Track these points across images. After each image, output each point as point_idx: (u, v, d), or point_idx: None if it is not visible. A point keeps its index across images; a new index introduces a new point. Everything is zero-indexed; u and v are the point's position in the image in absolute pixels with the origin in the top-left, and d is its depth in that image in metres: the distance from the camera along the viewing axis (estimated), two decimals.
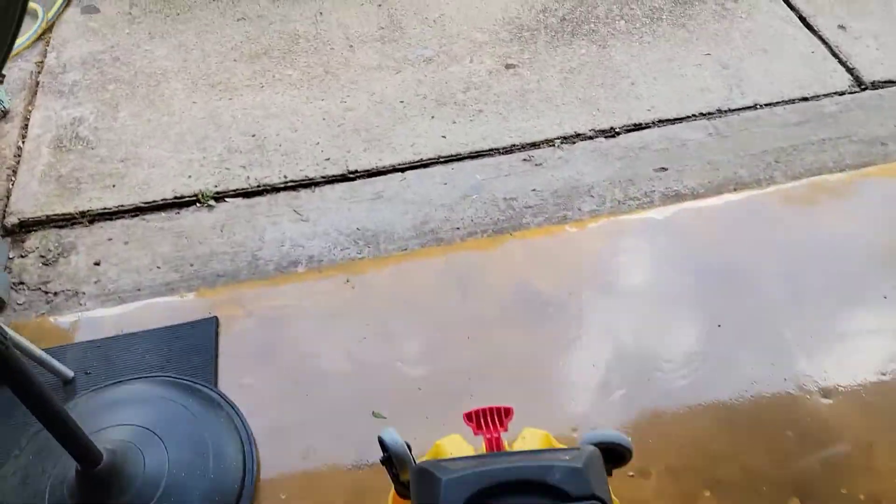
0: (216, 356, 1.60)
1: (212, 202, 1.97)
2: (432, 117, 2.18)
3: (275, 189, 2.01)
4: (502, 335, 1.64)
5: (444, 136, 2.12)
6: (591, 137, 2.12)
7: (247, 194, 1.99)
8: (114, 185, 2.00)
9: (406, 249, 1.85)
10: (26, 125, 2.19)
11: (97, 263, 1.83)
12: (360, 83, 2.29)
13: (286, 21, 2.53)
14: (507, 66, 2.33)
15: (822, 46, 2.35)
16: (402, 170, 2.05)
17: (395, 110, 2.20)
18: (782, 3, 2.51)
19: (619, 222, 1.88)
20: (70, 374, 1.55)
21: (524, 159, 2.07)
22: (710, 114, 2.16)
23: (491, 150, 2.09)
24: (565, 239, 1.85)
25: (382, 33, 2.47)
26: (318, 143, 2.11)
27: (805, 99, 2.19)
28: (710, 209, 1.89)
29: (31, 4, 2.47)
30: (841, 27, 2.41)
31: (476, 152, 2.08)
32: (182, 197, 1.97)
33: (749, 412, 1.49)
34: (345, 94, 2.26)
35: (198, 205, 1.97)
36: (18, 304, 1.77)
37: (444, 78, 2.30)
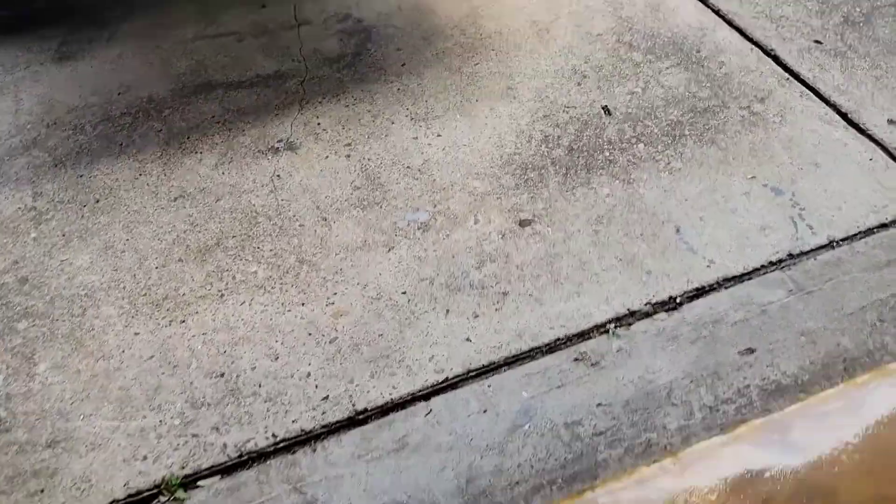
0: None
1: (180, 493, 1.45)
2: (447, 311, 1.72)
3: (263, 455, 1.50)
4: None
5: (468, 339, 1.67)
6: (648, 314, 1.70)
7: (226, 470, 1.49)
8: (42, 491, 1.46)
9: None
10: None
11: None
12: (347, 272, 1.82)
13: (236, 192, 2.04)
14: (522, 224, 1.90)
15: (879, 150, 2.01)
16: (426, 396, 1.58)
17: (399, 308, 1.74)
18: (816, 98, 2.18)
19: (724, 447, 1.45)
20: None
21: (576, 358, 1.63)
22: (781, 261, 1.78)
23: (532, 350, 1.64)
24: (665, 489, 1.41)
25: (360, 194, 2.01)
26: (308, 373, 1.63)
27: (884, 226, 1.83)
28: (832, 409, 1.49)
29: None
30: (892, 122, 2.08)
31: (513, 357, 1.63)
32: (139, 493, 1.45)
33: None
34: (330, 292, 1.78)
35: (161, 499, 1.45)
36: None
37: (450, 250, 1.86)
